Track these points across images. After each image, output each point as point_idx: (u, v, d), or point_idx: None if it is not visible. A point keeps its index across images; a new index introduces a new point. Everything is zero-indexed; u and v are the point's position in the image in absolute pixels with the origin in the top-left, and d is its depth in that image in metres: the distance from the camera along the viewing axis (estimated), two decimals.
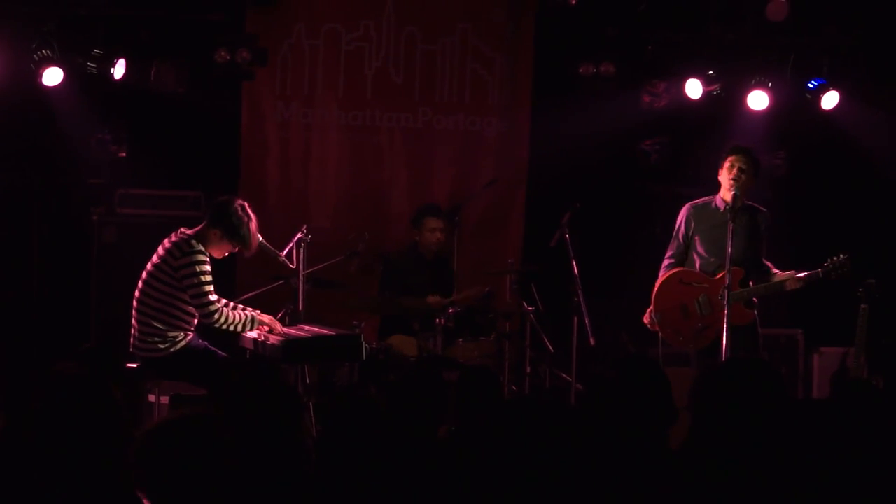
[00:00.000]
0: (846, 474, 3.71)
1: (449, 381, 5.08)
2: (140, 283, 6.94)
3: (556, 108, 9.58)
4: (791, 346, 9.34)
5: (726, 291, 7.12)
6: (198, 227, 6.97)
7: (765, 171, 8.20)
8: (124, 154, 9.11)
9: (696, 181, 8.52)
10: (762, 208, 7.62)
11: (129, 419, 3.73)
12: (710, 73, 9.30)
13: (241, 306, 7.13)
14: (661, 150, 9.85)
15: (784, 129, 9.67)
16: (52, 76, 8.30)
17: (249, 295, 7.85)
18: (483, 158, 9.70)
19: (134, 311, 6.93)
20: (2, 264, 9.09)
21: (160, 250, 6.93)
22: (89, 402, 3.73)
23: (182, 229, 6.98)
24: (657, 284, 7.61)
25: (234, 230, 6.90)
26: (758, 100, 9.21)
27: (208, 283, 6.84)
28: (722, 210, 7.41)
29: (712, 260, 7.49)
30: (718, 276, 7.41)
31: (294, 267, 7.44)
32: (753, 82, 9.20)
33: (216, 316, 6.83)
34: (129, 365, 6.93)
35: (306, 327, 7.27)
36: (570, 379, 8.44)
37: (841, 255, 7.35)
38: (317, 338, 6.97)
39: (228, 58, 8.83)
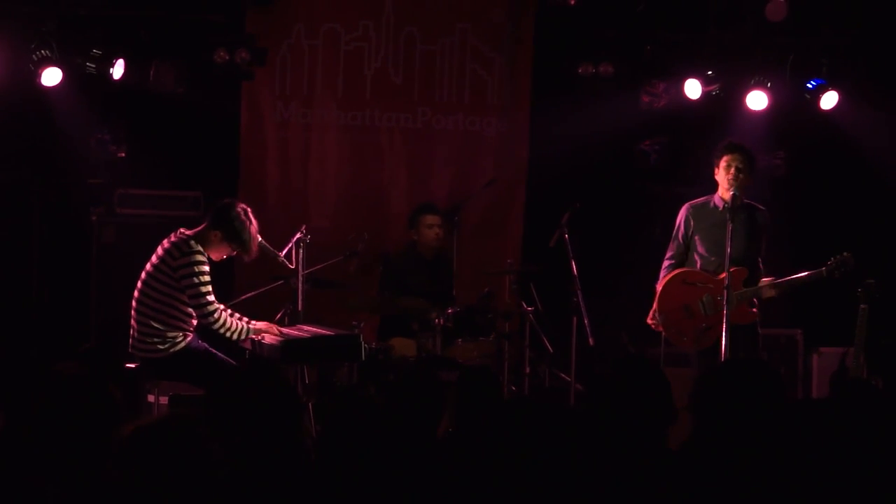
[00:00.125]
0: (846, 474, 3.72)
1: (448, 381, 5.08)
2: (139, 284, 6.93)
3: (556, 108, 9.58)
4: (790, 346, 9.35)
5: (725, 292, 7.11)
6: (198, 228, 6.96)
7: (764, 171, 8.21)
8: (123, 154, 9.11)
9: (695, 181, 8.52)
10: (761, 207, 7.61)
11: (128, 419, 3.73)
12: (710, 73, 9.30)
13: (238, 315, 7.12)
14: (661, 151, 9.86)
15: (783, 129, 9.67)
16: (51, 76, 8.30)
17: (249, 295, 7.85)
18: (482, 158, 9.70)
19: (133, 312, 6.93)
20: (1, 264, 9.08)
21: (159, 250, 6.92)
22: (89, 402, 3.73)
23: (181, 230, 6.98)
24: (660, 285, 7.60)
25: (235, 234, 6.90)
26: (757, 100, 9.21)
27: (207, 283, 6.83)
28: (721, 209, 7.39)
29: (713, 259, 7.48)
30: (721, 276, 7.40)
31: (293, 267, 7.43)
32: (752, 82, 9.20)
33: (215, 317, 6.83)
34: (128, 365, 6.94)
35: (305, 327, 7.26)
36: (569, 379, 8.44)
37: (844, 254, 7.34)
38: (316, 338, 6.96)
39: (227, 58, 8.83)
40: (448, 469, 4.10)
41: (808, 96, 9.28)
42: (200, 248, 6.84)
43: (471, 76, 9.62)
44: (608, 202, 9.74)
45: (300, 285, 7.48)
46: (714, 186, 7.60)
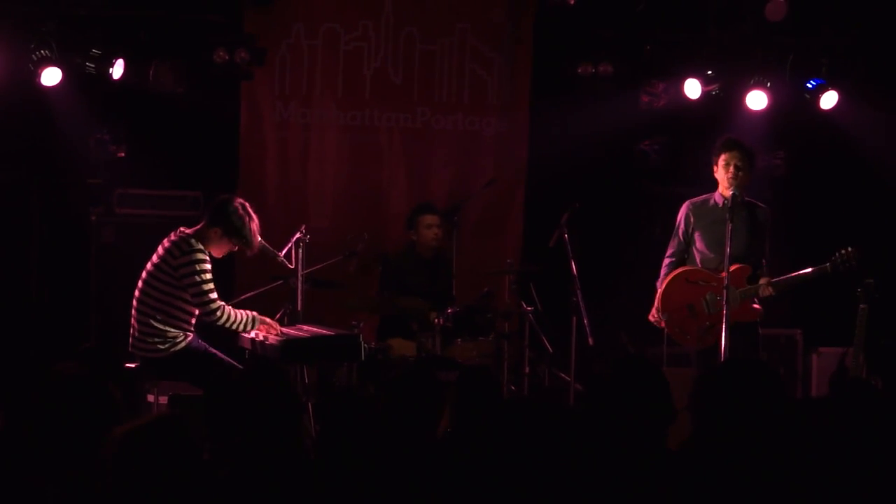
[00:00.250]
0: (845, 474, 3.72)
1: (448, 381, 5.08)
2: (140, 283, 6.93)
3: (555, 108, 9.58)
4: (790, 346, 9.35)
5: (725, 291, 7.11)
6: (197, 227, 6.96)
7: (764, 171, 8.21)
8: (123, 154, 9.10)
9: (694, 181, 8.51)
10: (761, 204, 7.61)
11: (128, 419, 3.73)
12: (709, 72, 9.30)
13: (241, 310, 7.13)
14: (660, 150, 9.86)
15: (783, 128, 9.67)
16: (51, 76, 8.30)
17: (248, 295, 7.85)
18: (482, 158, 9.69)
19: (134, 311, 6.93)
20: (0, 264, 9.08)
21: (160, 250, 6.92)
22: (89, 402, 3.73)
23: (181, 228, 6.98)
24: (663, 284, 7.59)
25: (234, 229, 6.90)
26: (757, 100, 9.22)
27: (209, 281, 6.84)
28: (721, 206, 7.38)
29: (713, 256, 7.48)
30: (724, 274, 7.41)
31: (293, 267, 7.44)
32: (752, 82, 9.21)
33: (218, 314, 6.83)
34: (128, 365, 6.93)
35: (305, 327, 7.26)
36: (568, 379, 8.44)
37: (849, 248, 7.33)
38: (315, 338, 6.97)
39: (227, 58, 8.83)
40: (447, 469, 4.10)
41: (807, 96, 9.29)
42: (201, 247, 6.85)
43: (470, 76, 9.62)
44: (608, 202, 9.74)
45: (299, 285, 7.48)
46: (714, 185, 7.60)
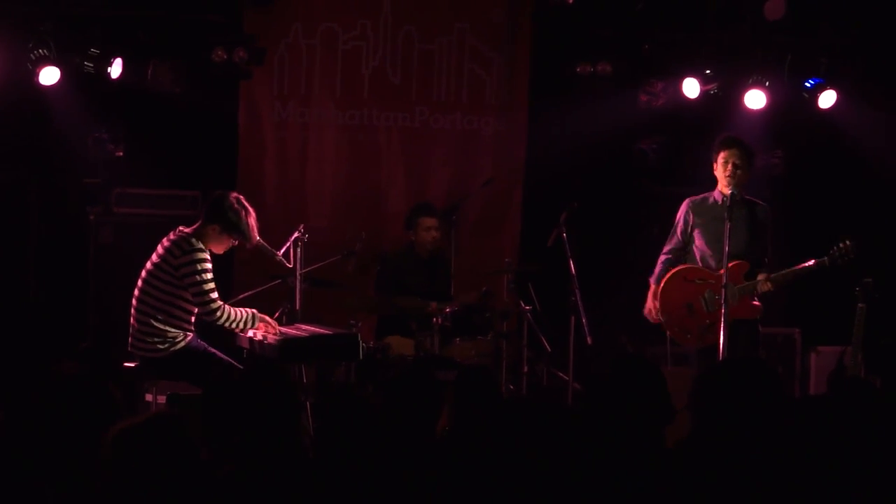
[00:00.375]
0: (843, 472, 3.72)
1: (446, 380, 5.08)
2: (139, 283, 6.93)
3: (554, 107, 9.58)
4: (788, 344, 9.35)
5: (723, 290, 7.12)
6: (195, 225, 6.96)
7: (762, 170, 8.21)
8: (121, 153, 9.09)
9: (693, 181, 8.51)
10: (761, 202, 7.61)
11: (126, 418, 3.73)
12: (708, 72, 9.31)
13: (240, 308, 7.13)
14: (659, 150, 9.86)
15: (781, 128, 9.67)
16: (49, 75, 8.30)
17: (246, 294, 7.84)
18: (480, 158, 9.69)
19: (133, 311, 6.92)
20: None
21: (159, 249, 6.92)
22: (88, 401, 3.73)
23: (181, 228, 6.97)
24: (661, 284, 7.62)
25: (232, 225, 6.90)
26: (755, 99, 9.22)
27: (210, 280, 6.83)
28: (720, 204, 7.38)
29: (712, 254, 7.48)
30: (722, 271, 7.42)
31: (291, 266, 7.43)
32: (751, 81, 9.21)
33: (219, 313, 6.82)
34: (126, 364, 6.93)
35: (303, 327, 7.26)
36: (567, 378, 8.43)
37: (847, 242, 7.31)
38: (314, 337, 6.96)
39: (225, 57, 8.83)
40: (446, 468, 4.10)
41: (806, 95, 9.30)
42: (201, 246, 6.84)
43: (469, 76, 9.62)
44: (606, 201, 9.74)
45: (298, 284, 7.48)
46: (713, 183, 7.60)
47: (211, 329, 7.02)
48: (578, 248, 8.48)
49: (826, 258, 7.33)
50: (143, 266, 6.99)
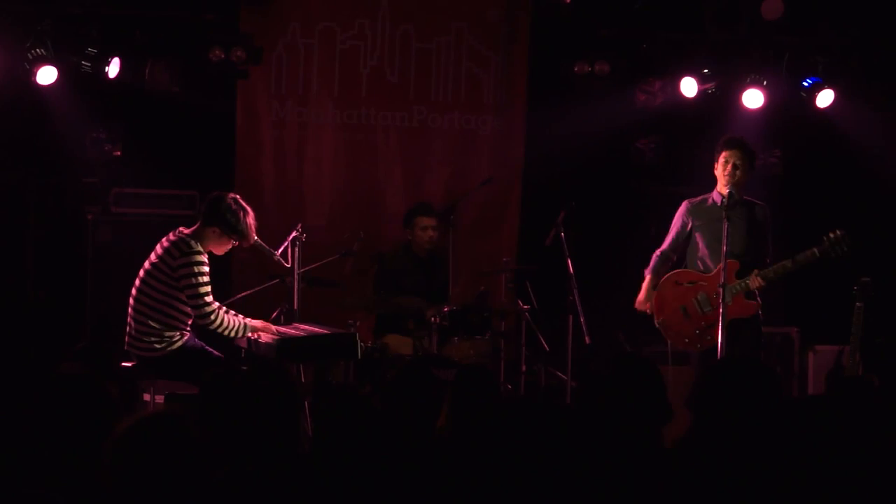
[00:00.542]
0: (841, 472, 3.72)
1: (444, 379, 5.08)
2: (137, 282, 6.92)
3: (552, 106, 9.58)
4: (786, 344, 9.35)
5: (722, 290, 7.12)
6: (195, 227, 6.95)
7: (760, 169, 8.21)
8: (119, 153, 9.10)
9: (691, 180, 8.52)
10: (760, 202, 7.61)
11: (124, 418, 3.73)
12: (706, 71, 9.31)
13: (233, 313, 7.12)
14: (656, 149, 9.87)
15: (779, 127, 9.67)
16: (47, 75, 8.30)
17: (244, 294, 7.84)
18: (478, 157, 9.69)
19: (130, 310, 6.92)
20: None
21: (158, 249, 6.91)
22: (86, 400, 3.72)
23: (181, 228, 6.96)
24: (656, 288, 7.67)
25: (231, 227, 6.89)
26: (753, 98, 9.22)
27: (206, 284, 6.82)
28: (719, 204, 7.39)
29: (710, 255, 7.48)
30: (713, 273, 7.43)
31: (289, 266, 7.42)
32: (748, 81, 9.21)
33: (212, 317, 6.82)
34: (124, 364, 6.92)
35: (301, 326, 7.26)
36: (565, 378, 8.43)
37: (837, 232, 7.28)
38: (312, 336, 6.96)
39: (223, 57, 8.83)
40: (444, 467, 4.10)
41: (803, 94, 9.30)
42: (200, 248, 6.83)
43: (467, 75, 9.62)
44: (604, 201, 9.74)
45: (296, 284, 7.47)
46: (711, 185, 7.60)
47: (207, 331, 7.00)
48: (576, 248, 8.48)
49: (816, 249, 7.29)
50: (141, 265, 6.98)
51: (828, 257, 7.27)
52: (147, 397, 7.13)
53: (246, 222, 6.92)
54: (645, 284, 7.75)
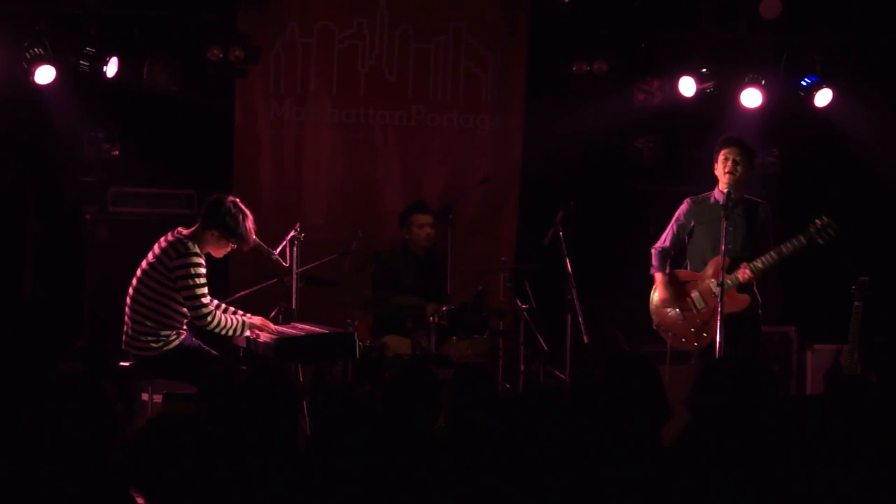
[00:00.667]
0: (839, 471, 3.72)
1: (443, 379, 5.08)
2: (134, 282, 6.92)
3: (550, 106, 9.58)
4: (784, 343, 9.35)
5: (714, 286, 7.14)
6: (194, 228, 6.93)
7: (758, 168, 8.21)
8: (117, 152, 9.10)
9: (689, 179, 8.52)
10: (761, 201, 7.61)
11: (122, 417, 3.73)
12: (704, 70, 9.31)
13: (232, 309, 7.12)
14: (655, 148, 9.86)
15: (777, 126, 9.67)
16: (45, 74, 8.29)
17: (243, 293, 7.84)
18: (476, 156, 9.69)
19: (127, 310, 6.91)
20: None
21: (156, 249, 6.90)
22: (83, 399, 3.72)
23: (179, 229, 6.95)
24: (654, 287, 7.69)
25: (230, 230, 6.88)
26: (751, 97, 9.23)
27: (202, 285, 6.81)
28: (721, 203, 7.38)
29: (709, 252, 7.48)
30: (706, 271, 7.46)
31: (287, 265, 7.42)
32: (747, 80, 9.21)
33: (209, 319, 6.81)
34: (122, 363, 6.92)
35: (300, 325, 7.25)
36: (564, 377, 8.43)
37: (824, 218, 7.27)
38: (310, 336, 6.95)
39: (221, 56, 8.82)
40: (442, 466, 4.10)
41: (802, 94, 9.29)
42: (197, 250, 6.82)
43: (465, 74, 9.62)
44: (602, 200, 9.74)
45: (294, 283, 7.46)
46: (709, 184, 7.60)
47: (205, 331, 7.00)
48: (575, 247, 8.48)
49: (802, 236, 7.26)
50: (139, 265, 6.97)
51: (814, 243, 7.24)
52: (145, 397, 7.12)
53: (245, 226, 6.91)
54: (660, 283, 7.67)
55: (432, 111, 9.62)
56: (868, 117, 9.35)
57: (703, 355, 7.46)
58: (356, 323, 7.93)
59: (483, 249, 9.51)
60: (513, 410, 3.83)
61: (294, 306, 7.49)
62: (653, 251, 7.72)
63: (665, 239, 7.71)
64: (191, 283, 6.76)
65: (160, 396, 7.14)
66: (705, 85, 9.34)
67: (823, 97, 9.24)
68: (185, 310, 6.85)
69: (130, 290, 6.92)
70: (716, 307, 7.16)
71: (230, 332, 6.93)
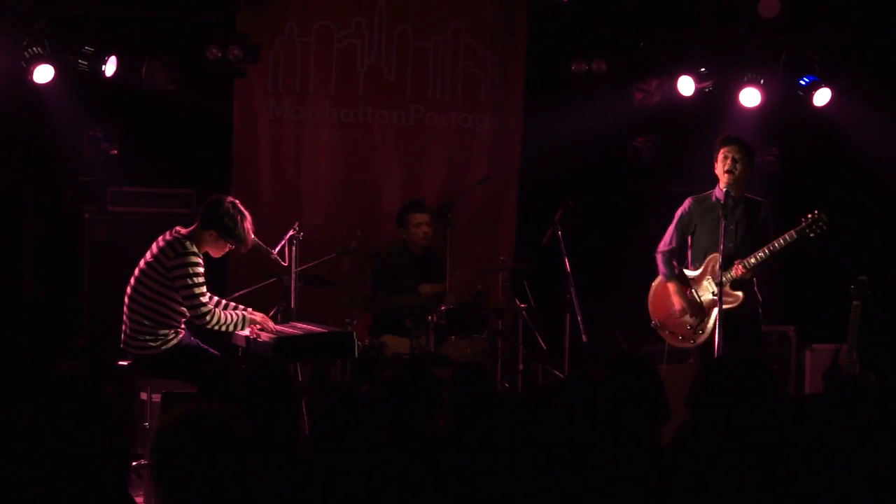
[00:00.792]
0: (837, 470, 3.72)
1: (442, 378, 5.08)
2: (132, 281, 6.91)
3: (549, 105, 9.58)
4: (783, 342, 9.35)
5: (719, 286, 7.15)
6: (192, 227, 6.93)
7: (757, 167, 8.21)
8: (116, 152, 9.09)
9: (688, 179, 8.52)
10: (762, 200, 7.61)
11: (120, 416, 3.73)
12: (703, 70, 9.31)
13: (233, 304, 7.12)
14: (653, 148, 9.86)
15: (776, 126, 9.68)
16: (43, 73, 8.29)
17: (241, 292, 7.83)
18: (475, 156, 9.69)
19: (125, 309, 6.91)
20: None
21: (154, 248, 6.90)
22: (81, 398, 3.72)
23: (177, 228, 6.94)
24: (652, 286, 7.68)
25: (228, 231, 6.87)
26: (750, 97, 9.23)
27: (200, 284, 6.81)
28: (722, 202, 7.38)
29: (709, 250, 7.48)
30: (701, 270, 7.47)
31: (286, 264, 7.42)
32: (745, 79, 9.22)
33: (208, 317, 6.81)
34: (120, 362, 6.92)
35: (298, 325, 7.25)
36: (562, 376, 8.43)
37: (815, 212, 7.27)
38: (309, 335, 6.95)
39: (220, 55, 8.81)
40: (442, 466, 4.10)
41: (800, 93, 9.30)
42: (195, 249, 6.82)
43: (464, 74, 9.62)
44: (601, 199, 9.74)
45: (293, 283, 7.47)
46: (707, 183, 7.61)
47: (205, 329, 6.99)
48: (573, 246, 8.49)
49: (794, 231, 7.26)
50: (137, 264, 6.97)
51: (805, 238, 7.24)
52: (144, 396, 7.12)
53: (243, 227, 6.90)
54: (674, 292, 7.62)
55: (431, 111, 9.62)
56: (867, 117, 9.35)
57: (702, 354, 7.47)
58: (355, 322, 7.93)
59: (482, 249, 9.51)
60: (512, 410, 3.83)
61: (293, 306, 7.50)
62: (658, 256, 7.68)
63: (670, 240, 7.68)
64: (189, 282, 6.76)
65: (159, 396, 7.14)
66: (704, 84, 9.34)
67: (822, 96, 9.24)
68: (183, 309, 6.85)
69: (128, 290, 6.91)
70: (712, 305, 7.18)
71: (231, 328, 6.92)
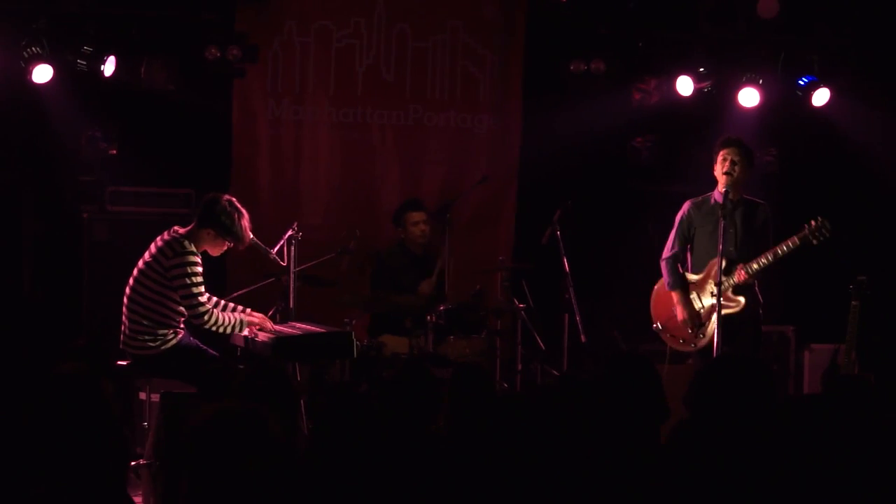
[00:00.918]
0: (838, 470, 3.72)
1: (441, 378, 5.08)
2: (131, 281, 6.91)
3: (547, 105, 9.58)
4: (782, 342, 9.36)
5: (718, 288, 7.15)
6: (190, 226, 6.93)
7: (756, 168, 8.22)
8: (115, 151, 9.10)
9: (686, 179, 8.53)
10: (761, 202, 7.61)
11: (120, 416, 3.73)
12: (701, 70, 9.31)
13: (232, 305, 7.12)
14: (652, 148, 9.87)
15: (775, 126, 9.68)
16: (42, 73, 8.29)
17: (240, 292, 7.83)
18: (474, 156, 9.69)
19: (124, 309, 6.91)
20: None
21: (152, 248, 6.90)
22: (80, 398, 3.72)
23: (176, 228, 6.95)
24: (654, 289, 7.69)
25: (225, 229, 6.87)
26: (749, 97, 9.23)
27: (199, 284, 6.81)
28: (721, 204, 7.38)
29: (708, 253, 7.49)
30: (703, 274, 7.47)
31: (285, 264, 7.42)
32: (744, 79, 9.22)
33: (206, 317, 6.81)
34: (119, 362, 6.92)
35: (297, 325, 7.25)
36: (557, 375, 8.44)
37: (819, 218, 7.27)
38: (308, 335, 6.95)
39: (219, 55, 8.82)
40: (441, 466, 4.10)
41: (799, 93, 9.30)
42: (193, 249, 6.82)
43: (462, 73, 9.62)
44: (600, 199, 9.74)
45: (292, 282, 7.47)
46: (707, 183, 7.61)
47: (203, 329, 7.00)
48: (572, 246, 8.49)
49: (796, 237, 7.26)
50: (136, 264, 6.97)
51: (809, 244, 7.25)
52: (143, 396, 7.13)
53: (241, 225, 6.90)
54: (679, 302, 7.58)
55: (430, 110, 9.62)
56: (866, 117, 9.36)
57: (702, 354, 7.47)
58: (354, 322, 7.93)
59: (481, 248, 9.51)
60: (511, 410, 3.83)
61: (291, 305, 7.50)
62: (663, 263, 7.65)
63: (673, 245, 7.66)
64: (187, 281, 6.76)
65: (157, 395, 7.13)
66: (703, 84, 9.35)
67: (821, 96, 9.25)
68: (181, 309, 6.85)
69: (127, 290, 6.91)
70: (714, 310, 7.17)
71: (228, 330, 6.93)
